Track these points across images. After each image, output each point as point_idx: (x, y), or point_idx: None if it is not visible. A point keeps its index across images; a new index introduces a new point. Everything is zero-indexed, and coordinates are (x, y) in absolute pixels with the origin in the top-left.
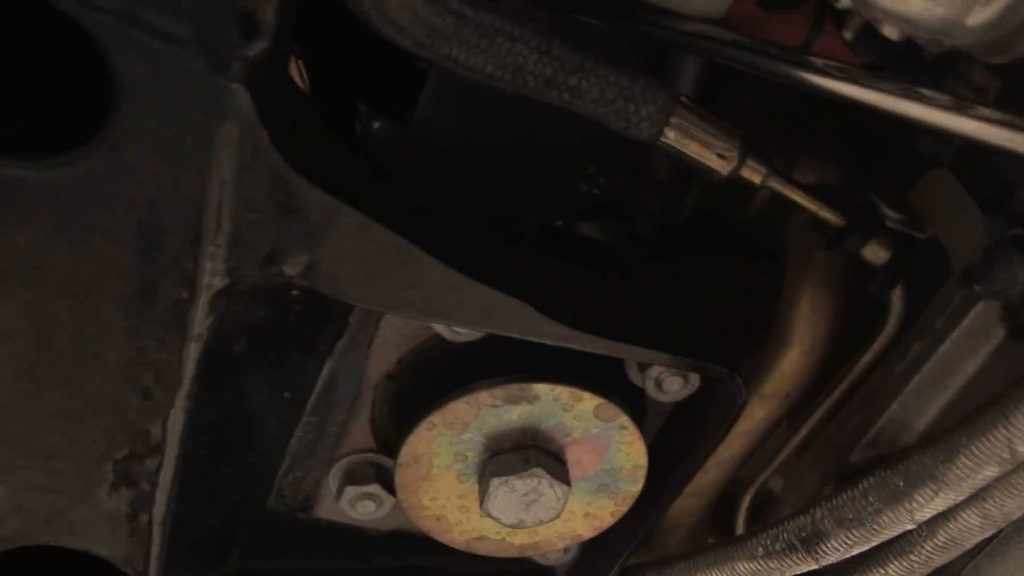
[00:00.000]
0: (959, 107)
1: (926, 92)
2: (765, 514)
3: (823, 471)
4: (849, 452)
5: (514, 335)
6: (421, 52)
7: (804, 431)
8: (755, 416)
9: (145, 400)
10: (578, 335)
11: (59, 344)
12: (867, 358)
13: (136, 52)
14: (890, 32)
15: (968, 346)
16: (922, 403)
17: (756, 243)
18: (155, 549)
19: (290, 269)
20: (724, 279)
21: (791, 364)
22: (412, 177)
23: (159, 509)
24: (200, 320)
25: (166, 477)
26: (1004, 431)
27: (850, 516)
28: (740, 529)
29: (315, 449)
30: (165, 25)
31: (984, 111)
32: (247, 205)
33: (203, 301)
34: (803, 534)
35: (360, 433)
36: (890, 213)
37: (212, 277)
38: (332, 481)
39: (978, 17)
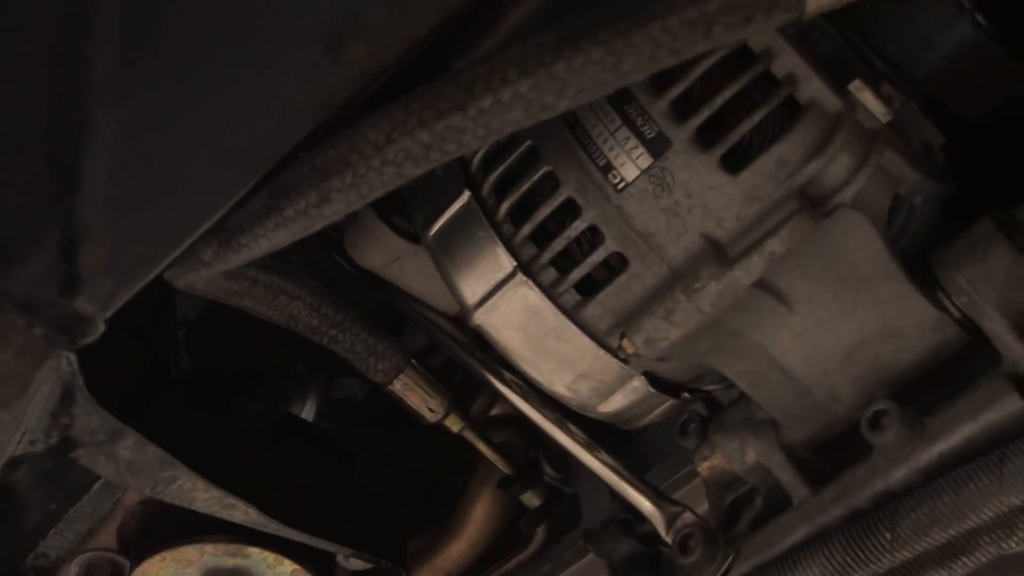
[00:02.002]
0: (589, 446)
1: (572, 428)
2: None
3: None
4: None
5: (237, 521)
6: (220, 301)
7: None
8: None
9: None
10: (289, 529)
11: None
12: (510, 565)
13: None
14: None
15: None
16: None
17: None
18: None
19: (84, 460)
20: None
21: (458, 551)
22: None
23: None
24: None
25: None
26: None
27: None
28: None
29: (63, 537)
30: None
31: (604, 456)
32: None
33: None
34: None
35: (107, 535)
36: (549, 470)
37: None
38: (73, 568)
39: (607, 408)
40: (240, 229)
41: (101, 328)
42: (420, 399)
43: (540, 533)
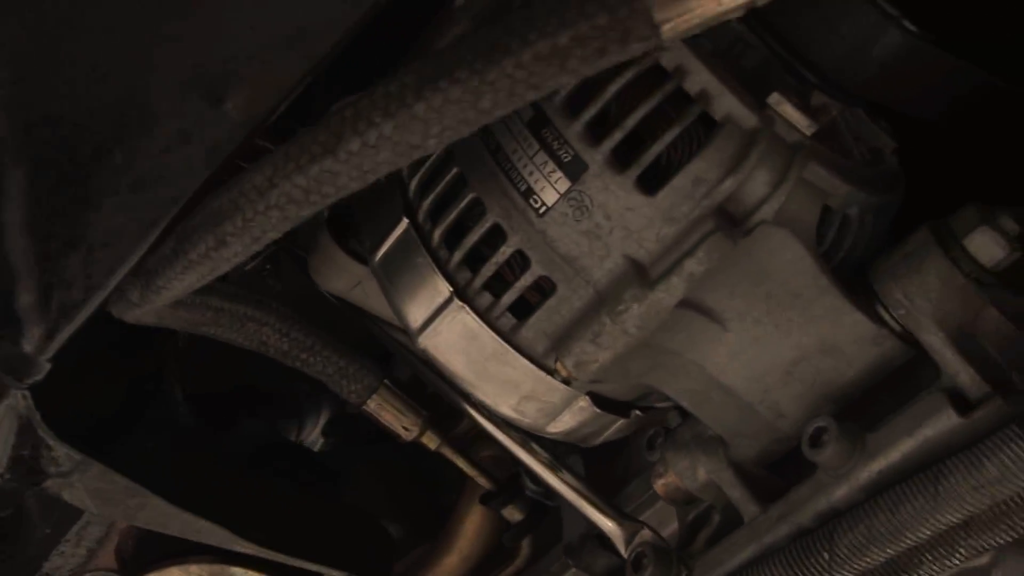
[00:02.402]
0: (551, 465)
1: (535, 447)
2: None
3: None
4: None
5: (213, 545)
6: (187, 331)
7: None
8: None
9: None
10: (265, 550)
11: None
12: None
13: None
14: None
15: None
16: None
17: None
18: None
19: (53, 490)
20: None
21: (451, 564)
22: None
23: None
24: None
25: None
26: None
27: None
28: None
29: (66, 557)
30: None
31: (565, 475)
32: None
33: None
34: None
35: (106, 556)
36: (530, 484)
37: None
38: None
39: (554, 429)
40: (156, 272)
41: (46, 367)
42: (394, 418)
43: (525, 547)
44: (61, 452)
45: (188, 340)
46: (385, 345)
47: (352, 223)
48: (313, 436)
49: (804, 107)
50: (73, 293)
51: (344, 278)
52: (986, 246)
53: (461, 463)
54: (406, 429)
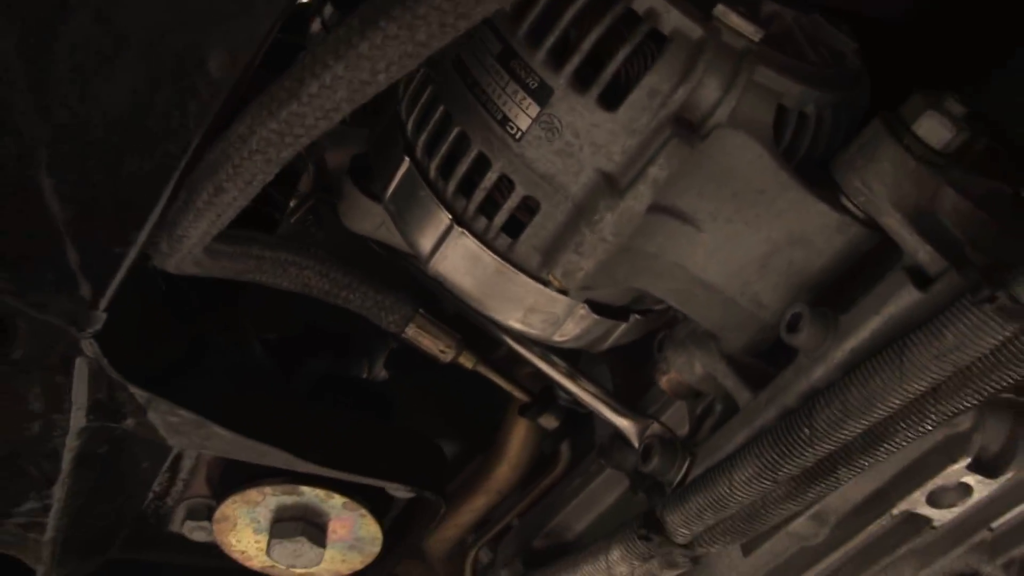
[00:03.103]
0: (569, 373)
1: (554, 358)
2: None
3: (515, 549)
4: (533, 539)
5: (279, 466)
6: (237, 279)
7: (507, 519)
8: (477, 502)
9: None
10: (324, 468)
11: None
12: (547, 481)
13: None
14: None
15: (606, 487)
16: (578, 516)
17: None
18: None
19: (132, 427)
20: None
21: (503, 474)
22: None
23: (49, 530)
24: (72, 443)
25: (51, 516)
26: (604, 560)
27: None
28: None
29: (168, 491)
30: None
31: (582, 380)
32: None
33: (73, 434)
34: None
35: (199, 485)
36: (562, 394)
37: (78, 422)
38: (178, 512)
39: (561, 337)
40: (175, 222)
41: (102, 317)
42: (431, 342)
43: (565, 451)
44: (130, 393)
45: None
46: (415, 277)
47: (370, 167)
48: (380, 370)
49: (751, 16)
50: (110, 250)
51: (368, 219)
52: (934, 129)
53: (496, 379)
54: (443, 352)
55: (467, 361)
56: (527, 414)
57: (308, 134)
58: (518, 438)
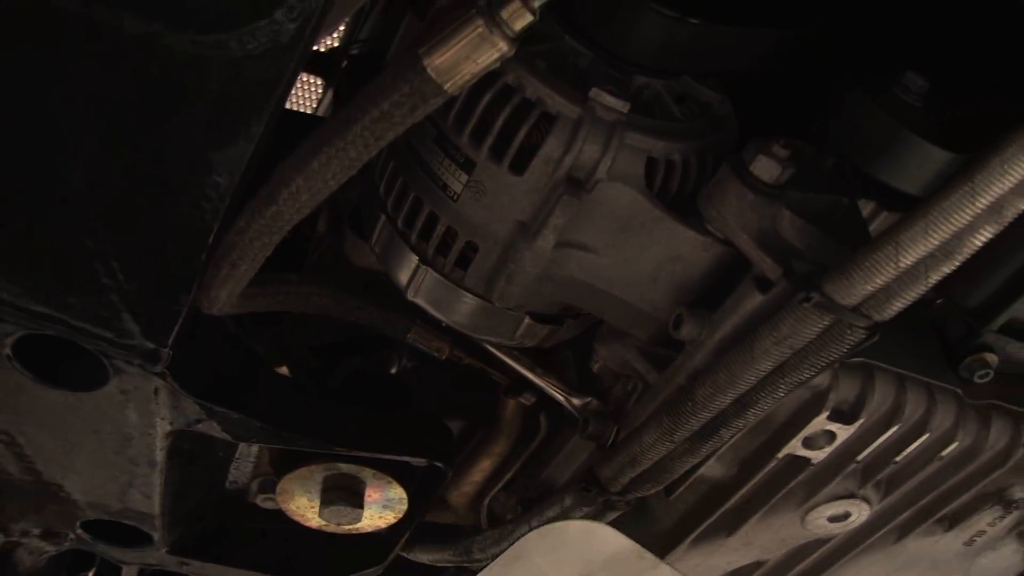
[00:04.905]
0: (530, 365)
1: (518, 355)
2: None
3: (516, 497)
4: (528, 489)
5: (320, 451)
6: (270, 310)
7: (507, 476)
8: (484, 464)
9: (138, 470)
10: (354, 450)
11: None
12: (534, 444)
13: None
14: None
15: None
16: (560, 470)
17: None
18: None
19: (207, 429)
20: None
21: (501, 445)
22: None
23: (156, 507)
24: (162, 444)
25: (156, 496)
26: (559, 507)
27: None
28: (484, 524)
29: (241, 472)
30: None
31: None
32: (176, 407)
33: (162, 437)
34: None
35: (264, 466)
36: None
37: (164, 429)
38: (252, 487)
39: (518, 341)
40: (209, 286)
41: (168, 354)
42: (427, 344)
43: (543, 421)
44: (198, 404)
45: None
46: None
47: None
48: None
49: (621, 92)
50: (168, 308)
51: (365, 257)
52: (765, 168)
53: (483, 368)
54: (438, 351)
55: (460, 356)
56: (509, 394)
57: (289, 223)
58: (511, 414)
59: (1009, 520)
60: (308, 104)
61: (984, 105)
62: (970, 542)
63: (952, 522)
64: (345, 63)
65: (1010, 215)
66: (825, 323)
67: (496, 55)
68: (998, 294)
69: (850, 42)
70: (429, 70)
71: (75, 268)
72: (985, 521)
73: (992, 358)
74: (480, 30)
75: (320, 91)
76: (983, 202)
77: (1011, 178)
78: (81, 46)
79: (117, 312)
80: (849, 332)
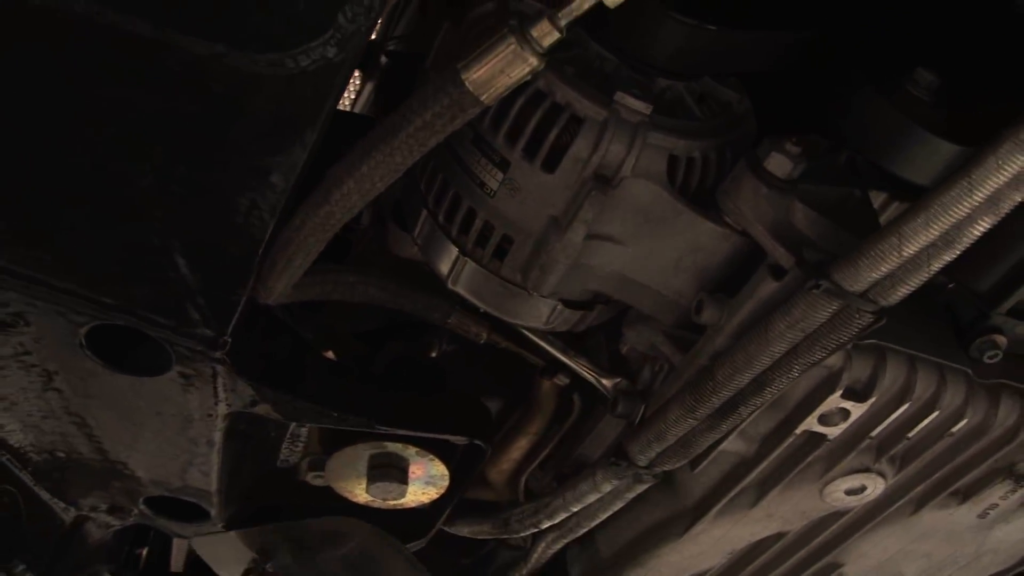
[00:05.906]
0: (561, 348)
1: (552, 339)
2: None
3: (551, 473)
4: (562, 466)
5: (362, 431)
6: (320, 299)
7: (544, 453)
8: (521, 442)
9: (198, 449)
10: (395, 430)
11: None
12: (568, 423)
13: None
14: None
15: (610, 426)
16: (593, 447)
17: None
18: (216, 498)
19: (261, 411)
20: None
21: (538, 424)
22: None
23: (214, 483)
24: (220, 425)
25: (213, 474)
26: (591, 481)
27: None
28: (521, 499)
29: (292, 451)
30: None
31: (571, 352)
32: (233, 390)
33: (220, 418)
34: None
35: (314, 445)
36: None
37: (222, 411)
38: (302, 466)
39: (555, 326)
40: (265, 277)
41: (228, 342)
42: (466, 329)
43: (576, 401)
44: (253, 387)
45: None
46: None
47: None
48: (446, 346)
49: (644, 94)
50: (227, 299)
51: (408, 248)
52: (778, 164)
53: (520, 351)
54: (477, 335)
55: (498, 340)
56: (544, 375)
57: (340, 221)
58: (546, 394)
59: (1020, 494)
60: (347, 95)
61: (993, 100)
62: (984, 515)
63: (965, 495)
64: (384, 60)
65: (1006, 207)
66: (834, 308)
67: (527, 69)
68: (1007, 279)
69: (863, 41)
70: (467, 84)
71: (143, 263)
72: (997, 495)
73: (1001, 339)
74: (513, 47)
75: (358, 83)
76: (980, 195)
77: (1006, 173)
78: (152, 66)
79: (181, 303)
80: (857, 316)
